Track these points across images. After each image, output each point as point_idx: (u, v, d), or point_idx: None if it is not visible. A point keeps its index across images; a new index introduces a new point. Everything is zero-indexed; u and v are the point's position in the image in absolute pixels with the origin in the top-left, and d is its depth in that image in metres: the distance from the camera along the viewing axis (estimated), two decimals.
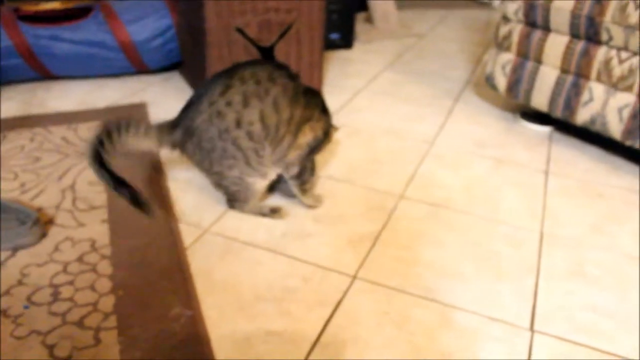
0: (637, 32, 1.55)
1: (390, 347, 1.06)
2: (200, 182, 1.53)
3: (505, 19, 1.92)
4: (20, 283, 1.14)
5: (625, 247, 1.41)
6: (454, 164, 1.75)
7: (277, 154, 1.37)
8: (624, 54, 1.62)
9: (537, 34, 1.83)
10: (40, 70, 2.08)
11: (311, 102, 1.41)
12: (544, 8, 1.76)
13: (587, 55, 1.70)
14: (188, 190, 1.51)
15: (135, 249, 1.26)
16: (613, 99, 1.67)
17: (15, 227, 1.27)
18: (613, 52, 1.64)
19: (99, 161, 1.20)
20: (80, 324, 1.05)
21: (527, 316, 1.16)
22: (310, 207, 1.46)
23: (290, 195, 1.48)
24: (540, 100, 1.88)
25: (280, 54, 2.01)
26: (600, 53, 1.67)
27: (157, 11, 2.14)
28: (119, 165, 1.23)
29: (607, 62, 1.66)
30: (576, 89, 1.75)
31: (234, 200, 1.43)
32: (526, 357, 1.06)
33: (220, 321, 1.09)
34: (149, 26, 2.10)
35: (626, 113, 1.65)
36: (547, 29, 1.80)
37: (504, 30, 1.93)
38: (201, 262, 1.25)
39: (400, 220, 1.45)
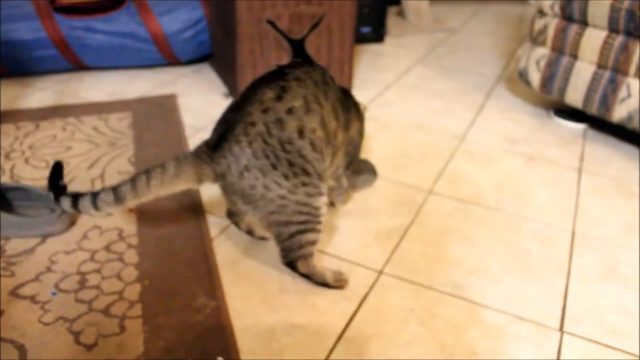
0: None
1: (416, 344, 1.04)
2: None
3: (541, 12, 1.87)
4: (48, 270, 1.15)
5: None
6: (484, 159, 1.72)
7: (334, 165, 1.21)
8: None
9: (574, 28, 1.78)
10: (74, 61, 2.11)
11: (349, 103, 1.30)
12: (581, 1, 1.71)
13: (625, 51, 1.66)
14: None
15: (162, 238, 1.27)
16: None
17: (45, 214, 1.29)
18: None
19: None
20: (106, 311, 1.06)
21: (556, 316, 1.14)
22: (342, 203, 1.44)
23: None
24: (574, 96, 1.83)
25: (311, 47, 2.00)
26: None
27: (189, 3, 2.15)
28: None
29: None
30: (613, 85, 1.71)
31: (297, 248, 1.12)
32: (555, 358, 1.04)
33: (244, 312, 1.09)
34: (181, 18, 2.11)
35: None
36: (584, 23, 1.75)
37: (539, 24, 1.89)
38: (227, 254, 1.25)
39: (429, 216, 1.43)
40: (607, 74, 1.72)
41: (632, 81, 1.66)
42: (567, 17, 1.79)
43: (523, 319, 1.12)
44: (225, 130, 1.07)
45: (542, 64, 1.90)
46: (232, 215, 1.28)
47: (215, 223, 1.34)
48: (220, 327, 1.04)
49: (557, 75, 1.87)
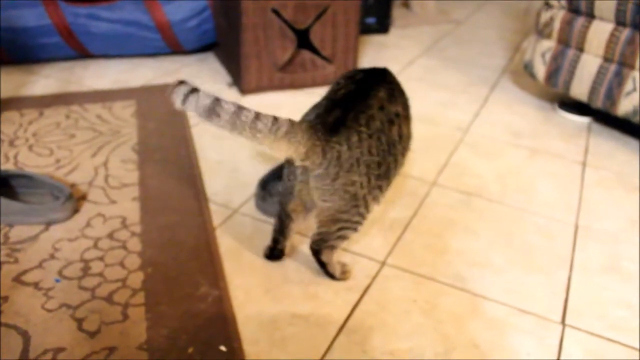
0: None
1: (418, 335, 1.05)
2: (230, 164, 1.53)
3: (548, 5, 1.86)
4: (52, 257, 1.16)
5: None
6: (488, 152, 1.72)
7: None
8: None
9: (580, 21, 1.77)
10: (78, 49, 2.10)
11: None
12: None
13: (632, 44, 1.65)
14: (219, 170, 1.51)
15: (165, 227, 1.27)
16: None
17: (49, 202, 1.29)
18: None
19: None
20: (109, 299, 1.06)
21: (558, 310, 1.14)
22: None
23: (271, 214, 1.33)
24: (580, 89, 1.82)
25: (315, 38, 1.99)
26: None
27: None
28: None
29: None
30: (619, 79, 1.70)
31: (334, 240, 1.10)
32: (556, 351, 1.04)
33: (247, 302, 1.09)
34: (185, 6, 2.11)
35: None
36: (591, 15, 1.74)
37: (545, 16, 1.88)
38: (230, 243, 1.25)
39: (432, 208, 1.43)
40: (613, 67, 1.72)
41: (638, 75, 1.65)
42: (573, 9, 1.78)
43: (525, 311, 1.12)
44: (343, 115, 1.01)
45: (548, 56, 1.90)
46: (277, 244, 1.19)
47: (219, 212, 1.35)
48: (223, 317, 1.04)
49: (562, 68, 1.86)
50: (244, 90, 1.97)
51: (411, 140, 1.18)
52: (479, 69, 2.40)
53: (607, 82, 1.73)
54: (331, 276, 1.15)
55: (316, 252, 1.13)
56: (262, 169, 1.49)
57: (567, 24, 1.81)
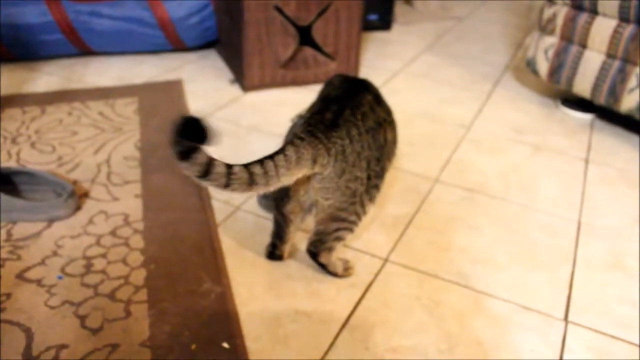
0: None
1: (420, 332, 1.04)
2: (232, 160, 1.52)
3: (550, 1, 1.86)
4: (54, 254, 1.16)
5: None
6: (490, 149, 1.72)
7: None
8: None
9: (583, 17, 1.76)
10: (80, 46, 2.10)
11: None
12: None
13: (636, 40, 1.64)
14: None
15: (168, 224, 1.27)
16: None
17: (51, 199, 1.29)
18: None
19: None
20: (111, 296, 1.06)
21: (561, 307, 1.13)
22: None
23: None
24: (583, 86, 1.82)
25: (318, 34, 1.99)
26: None
27: None
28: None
29: None
30: (622, 75, 1.69)
31: (331, 241, 1.11)
32: (559, 348, 1.04)
33: (249, 298, 1.09)
34: (187, 3, 2.10)
35: None
36: (594, 11, 1.74)
37: (548, 12, 1.87)
38: (232, 239, 1.25)
39: (435, 204, 1.42)
40: (616, 64, 1.71)
41: None
42: (576, 5, 1.78)
43: (528, 308, 1.12)
44: (340, 110, 1.03)
45: (551, 53, 1.89)
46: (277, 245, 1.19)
47: (221, 209, 1.34)
48: (226, 313, 1.04)
49: (565, 64, 1.85)
50: (246, 87, 1.97)
51: (396, 146, 1.21)
52: (481, 65, 2.40)
53: (610, 79, 1.72)
54: (334, 275, 1.15)
55: (314, 254, 1.13)
56: None
57: (570, 20, 1.80)
